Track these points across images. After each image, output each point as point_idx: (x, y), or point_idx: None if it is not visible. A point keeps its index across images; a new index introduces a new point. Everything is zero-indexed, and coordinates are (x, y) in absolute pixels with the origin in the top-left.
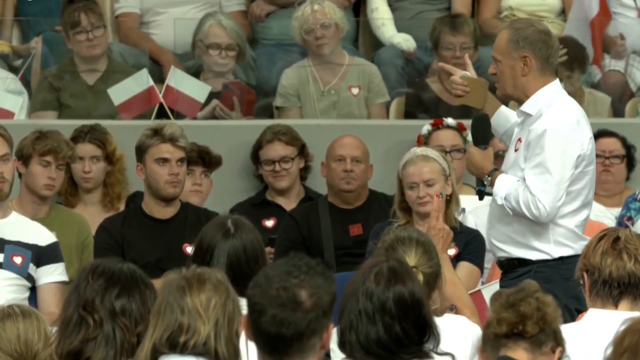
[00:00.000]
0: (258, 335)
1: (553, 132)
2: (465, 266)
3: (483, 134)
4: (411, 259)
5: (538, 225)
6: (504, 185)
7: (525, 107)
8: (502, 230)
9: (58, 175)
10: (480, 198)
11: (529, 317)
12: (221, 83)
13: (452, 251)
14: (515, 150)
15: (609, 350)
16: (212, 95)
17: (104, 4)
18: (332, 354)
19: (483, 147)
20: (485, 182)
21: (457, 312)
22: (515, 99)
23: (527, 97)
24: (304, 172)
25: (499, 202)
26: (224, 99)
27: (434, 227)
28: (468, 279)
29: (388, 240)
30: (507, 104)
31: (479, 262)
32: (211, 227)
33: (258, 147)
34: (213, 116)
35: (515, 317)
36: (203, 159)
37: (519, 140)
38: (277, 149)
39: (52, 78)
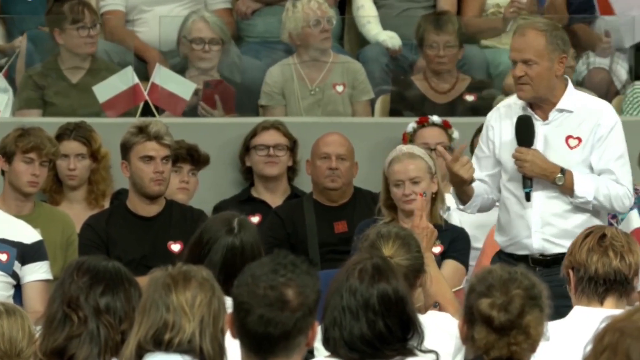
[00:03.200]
0: (244, 334)
1: (620, 125)
2: (450, 264)
3: (528, 134)
4: (387, 249)
5: (597, 218)
6: (586, 182)
7: (564, 104)
8: (561, 226)
9: (41, 172)
10: (528, 200)
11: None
12: (202, 81)
13: (437, 249)
14: (573, 147)
15: (589, 348)
16: (197, 94)
17: (89, 1)
18: (315, 352)
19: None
20: (558, 182)
21: (441, 310)
22: (542, 100)
23: (555, 96)
24: (292, 173)
25: (587, 199)
26: (204, 96)
27: (418, 225)
28: (453, 276)
29: (369, 236)
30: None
31: (464, 259)
32: (216, 222)
33: (252, 135)
34: (196, 113)
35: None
36: (192, 157)
37: (571, 137)
38: (273, 136)
39: (37, 76)
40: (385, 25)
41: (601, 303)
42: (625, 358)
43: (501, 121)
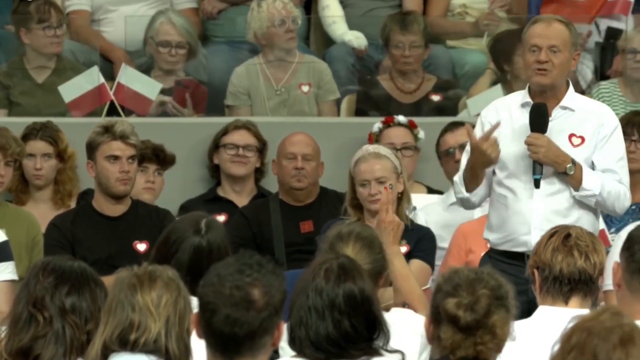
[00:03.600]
0: (210, 334)
1: (620, 127)
2: (416, 263)
3: (542, 121)
4: (348, 253)
5: (592, 216)
6: (594, 176)
7: (567, 102)
8: (560, 223)
9: (6, 172)
10: (537, 186)
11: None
12: (173, 80)
13: (403, 248)
14: (576, 146)
15: (556, 348)
16: (164, 93)
17: (55, 1)
18: (281, 352)
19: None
20: (569, 172)
21: (408, 307)
22: (551, 92)
23: (561, 92)
24: (259, 175)
25: (594, 192)
26: (176, 95)
27: (384, 220)
28: (419, 276)
29: (328, 237)
30: (535, 94)
31: (430, 259)
32: (184, 222)
33: (223, 133)
34: (161, 112)
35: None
36: (157, 157)
37: (574, 135)
38: (243, 136)
39: (2, 76)
40: (351, 25)
41: (566, 303)
42: (592, 358)
43: (499, 117)
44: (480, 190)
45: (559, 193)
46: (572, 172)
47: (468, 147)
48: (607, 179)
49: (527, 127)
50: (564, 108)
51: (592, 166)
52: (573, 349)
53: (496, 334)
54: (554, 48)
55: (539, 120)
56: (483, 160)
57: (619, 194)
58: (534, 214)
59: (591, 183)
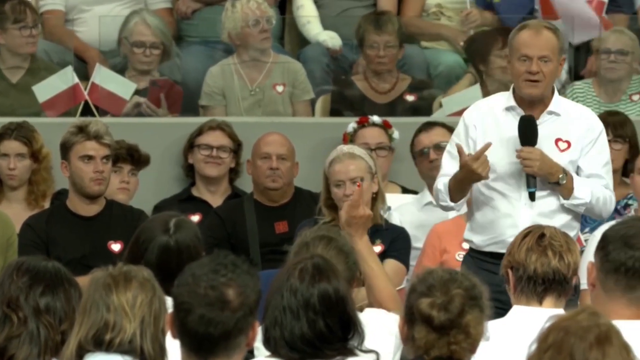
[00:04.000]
0: (184, 334)
1: (605, 132)
2: (391, 263)
3: (531, 134)
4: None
5: (576, 220)
6: (584, 184)
7: (554, 107)
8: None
9: None
10: (533, 199)
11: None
12: (148, 80)
13: (377, 248)
14: (562, 150)
15: (533, 347)
16: (138, 93)
17: (30, 1)
18: (255, 352)
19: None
20: (560, 182)
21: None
22: (541, 99)
23: (548, 97)
24: (234, 175)
25: (586, 200)
26: (150, 95)
27: (355, 216)
28: (394, 276)
29: (301, 241)
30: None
31: (404, 259)
32: (153, 222)
33: (198, 133)
34: (136, 113)
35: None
36: (132, 157)
37: (560, 140)
38: (217, 137)
39: None
40: (326, 25)
41: (540, 302)
42: (568, 357)
43: (484, 121)
44: (464, 198)
45: (547, 197)
46: (564, 182)
47: (450, 149)
48: (595, 186)
49: (514, 131)
50: (551, 113)
51: (578, 170)
52: (550, 348)
53: (470, 334)
54: (544, 58)
55: (529, 133)
56: (473, 178)
57: (605, 199)
58: (522, 217)
59: (582, 192)
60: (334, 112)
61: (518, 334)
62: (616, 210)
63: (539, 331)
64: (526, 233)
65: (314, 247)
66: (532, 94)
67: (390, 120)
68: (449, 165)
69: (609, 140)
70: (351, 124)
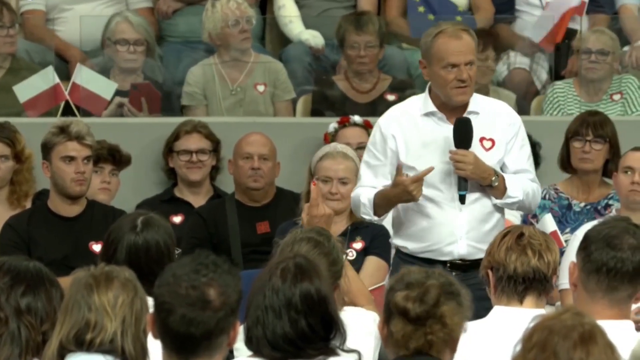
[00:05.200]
0: (166, 334)
1: (522, 123)
2: (373, 260)
3: (467, 136)
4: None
5: (504, 219)
6: (515, 182)
7: (473, 107)
8: (482, 229)
9: None
10: (463, 202)
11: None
12: (129, 83)
13: (358, 244)
14: (488, 149)
15: (518, 347)
16: (120, 95)
17: (9, 1)
18: (236, 352)
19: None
20: (493, 185)
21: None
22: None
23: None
24: (214, 173)
25: (519, 198)
26: (131, 99)
27: (316, 215)
28: (376, 273)
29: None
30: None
31: (386, 256)
32: (121, 221)
33: (175, 138)
34: (119, 114)
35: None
36: (113, 157)
37: (484, 139)
38: (195, 140)
39: None
40: (307, 26)
41: (521, 302)
42: (552, 356)
43: (403, 129)
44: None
45: (478, 201)
46: (497, 184)
47: (368, 159)
48: (524, 182)
49: (437, 136)
50: (470, 113)
51: (503, 167)
52: (534, 348)
53: (446, 324)
54: (470, 63)
55: (464, 135)
56: (404, 198)
57: (534, 193)
58: (459, 224)
59: (515, 190)
60: (315, 112)
61: (499, 334)
62: (597, 211)
63: (524, 331)
64: (505, 233)
65: (299, 247)
66: (464, 100)
67: (371, 120)
68: (368, 177)
69: (589, 140)
70: (332, 123)
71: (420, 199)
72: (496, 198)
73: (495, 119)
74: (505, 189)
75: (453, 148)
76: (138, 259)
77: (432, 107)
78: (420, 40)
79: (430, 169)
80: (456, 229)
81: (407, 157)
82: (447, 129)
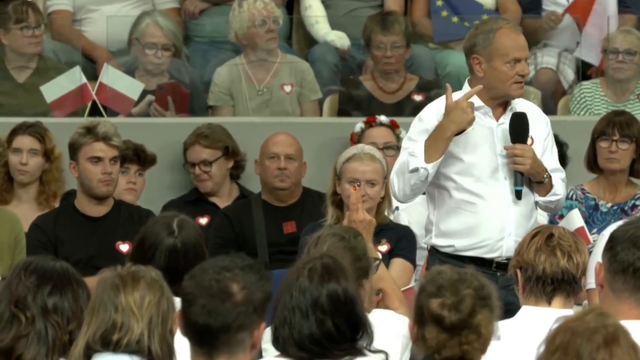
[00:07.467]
0: (187, 326)
1: None
2: (398, 262)
3: (524, 131)
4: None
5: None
6: (559, 181)
7: (514, 104)
8: (528, 226)
9: None
10: (519, 198)
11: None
12: (155, 83)
13: (384, 247)
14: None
15: (541, 349)
16: (147, 94)
17: (36, 1)
18: (264, 353)
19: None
20: (544, 181)
21: (382, 298)
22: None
23: None
24: (235, 171)
25: (561, 197)
26: (158, 99)
27: (355, 220)
28: (402, 275)
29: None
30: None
31: (411, 257)
32: (156, 225)
33: (185, 148)
34: (147, 113)
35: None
36: (138, 157)
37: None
38: (197, 152)
39: None
40: (333, 25)
41: (549, 303)
42: (576, 358)
43: None
44: (433, 169)
45: (525, 196)
46: (547, 180)
47: (414, 136)
48: (561, 180)
49: (487, 131)
50: (511, 109)
51: None
52: (557, 350)
53: (481, 334)
54: (527, 59)
55: (521, 130)
56: (461, 120)
57: (565, 193)
58: (508, 220)
59: (560, 188)
60: (342, 112)
61: (527, 334)
62: (623, 211)
63: (547, 332)
64: (535, 233)
65: (323, 242)
66: (521, 95)
67: (398, 120)
68: (412, 146)
69: (615, 140)
70: (359, 124)
71: (465, 196)
72: (540, 195)
73: (533, 117)
74: (551, 186)
75: (498, 143)
76: (177, 262)
77: (479, 102)
78: (469, 37)
79: (479, 88)
80: (506, 224)
81: (464, 151)
82: (492, 124)
